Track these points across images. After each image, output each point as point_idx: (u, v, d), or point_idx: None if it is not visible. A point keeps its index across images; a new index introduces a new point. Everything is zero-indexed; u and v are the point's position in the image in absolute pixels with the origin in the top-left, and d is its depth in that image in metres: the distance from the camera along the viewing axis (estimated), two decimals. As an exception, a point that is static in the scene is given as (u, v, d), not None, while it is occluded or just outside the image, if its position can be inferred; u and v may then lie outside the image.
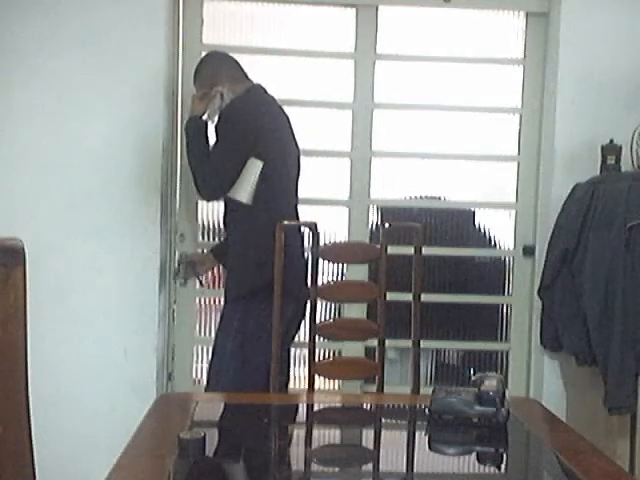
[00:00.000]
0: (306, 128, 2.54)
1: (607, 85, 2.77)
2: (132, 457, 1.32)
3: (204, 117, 2.49)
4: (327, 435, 1.71)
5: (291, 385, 2.81)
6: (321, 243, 2.19)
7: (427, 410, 1.56)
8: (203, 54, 2.64)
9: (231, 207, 2.44)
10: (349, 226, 2.93)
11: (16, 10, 2.64)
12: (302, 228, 2.50)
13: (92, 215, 2.69)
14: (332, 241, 2.91)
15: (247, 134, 2.34)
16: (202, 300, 2.93)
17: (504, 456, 1.54)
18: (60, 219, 2.68)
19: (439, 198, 3.04)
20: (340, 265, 2.95)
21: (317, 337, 2.13)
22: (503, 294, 3.03)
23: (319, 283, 2.15)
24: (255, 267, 2.32)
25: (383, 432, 1.75)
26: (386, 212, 3.00)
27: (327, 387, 2.83)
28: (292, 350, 2.82)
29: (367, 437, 1.71)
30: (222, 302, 2.47)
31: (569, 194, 2.65)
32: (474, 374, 1.67)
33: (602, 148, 2.65)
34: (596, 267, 2.45)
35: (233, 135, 2.35)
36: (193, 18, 2.85)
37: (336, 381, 2.87)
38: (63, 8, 2.65)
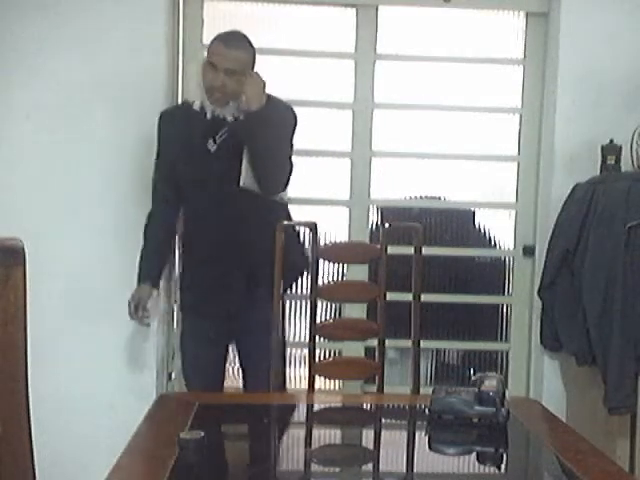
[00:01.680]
0: (306, 128, 2.54)
1: (607, 85, 2.77)
2: (132, 457, 1.32)
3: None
4: (327, 435, 1.71)
5: (292, 385, 2.81)
6: (321, 243, 2.19)
7: (427, 410, 1.56)
8: (204, 54, 2.52)
9: (252, 202, 2.30)
10: (349, 226, 2.93)
11: (16, 10, 2.64)
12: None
13: (92, 215, 2.69)
14: (332, 241, 2.91)
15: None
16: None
17: (504, 456, 1.54)
18: (60, 219, 2.68)
19: (439, 198, 3.03)
20: (340, 265, 2.95)
21: (317, 337, 2.13)
22: (503, 294, 3.03)
23: (319, 283, 2.15)
24: None
25: (383, 432, 1.75)
26: (386, 212, 3.00)
27: (328, 387, 2.83)
28: (292, 350, 2.83)
29: (367, 437, 1.71)
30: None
31: (569, 194, 2.65)
32: (474, 374, 1.68)
33: (602, 148, 2.65)
34: (596, 267, 2.45)
35: (290, 132, 2.40)
36: (193, 18, 2.85)
37: (336, 381, 2.87)
38: (63, 8, 2.66)
